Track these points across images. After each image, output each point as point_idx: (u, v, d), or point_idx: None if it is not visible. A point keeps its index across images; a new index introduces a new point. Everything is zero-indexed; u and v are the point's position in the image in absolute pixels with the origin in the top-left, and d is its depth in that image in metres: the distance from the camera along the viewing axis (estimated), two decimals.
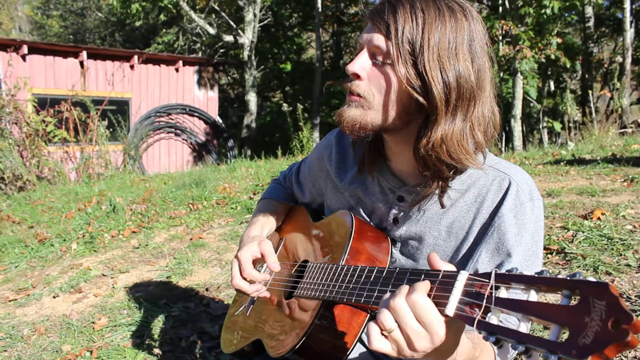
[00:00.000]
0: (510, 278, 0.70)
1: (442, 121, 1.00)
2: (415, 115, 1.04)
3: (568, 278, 0.63)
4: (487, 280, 0.72)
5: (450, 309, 0.75)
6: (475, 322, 0.70)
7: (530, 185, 1.10)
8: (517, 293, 0.69)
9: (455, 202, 1.13)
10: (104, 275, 3.58)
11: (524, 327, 0.66)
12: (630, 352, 1.87)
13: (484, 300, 0.71)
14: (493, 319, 0.69)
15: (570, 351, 0.58)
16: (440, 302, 0.77)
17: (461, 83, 0.99)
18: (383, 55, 1.03)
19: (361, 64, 1.05)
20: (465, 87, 1.00)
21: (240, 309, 1.54)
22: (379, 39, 1.02)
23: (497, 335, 0.67)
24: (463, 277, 0.76)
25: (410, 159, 1.09)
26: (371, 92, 1.05)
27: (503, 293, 0.70)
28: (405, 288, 0.81)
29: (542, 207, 1.10)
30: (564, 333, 0.61)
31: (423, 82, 0.99)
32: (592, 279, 0.61)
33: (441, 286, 0.78)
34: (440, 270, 0.81)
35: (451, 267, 0.82)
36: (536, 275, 0.67)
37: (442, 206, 1.12)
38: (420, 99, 1.00)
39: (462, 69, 0.99)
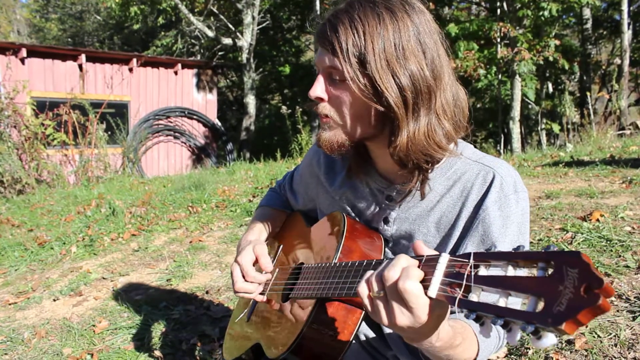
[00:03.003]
0: (488, 256, 0.72)
1: (405, 124, 1.03)
2: (384, 122, 1.07)
3: (543, 250, 0.64)
4: (467, 260, 0.74)
5: (433, 290, 0.77)
6: (457, 300, 0.72)
7: (515, 178, 1.11)
8: (496, 270, 0.71)
9: (442, 198, 1.14)
10: (104, 278, 3.59)
11: (503, 303, 0.67)
12: (630, 353, 1.87)
13: (464, 279, 0.73)
14: (473, 297, 0.71)
15: (546, 319, 0.60)
16: (423, 285, 0.79)
17: (416, 82, 1.01)
18: (336, 73, 1.07)
19: (319, 87, 1.10)
20: (421, 83, 1.02)
21: (241, 316, 1.55)
22: (328, 59, 1.06)
23: (477, 311, 0.69)
24: (444, 259, 0.78)
25: (389, 154, 1.12)
26: (335, 111, 1.10)
27: (483, 271, 0.72)
28: (396, 271, 0.82)
29: (527, 199, 1.12)
30: (541, 304, 0.62)
31: (376, 91, 1.02)
32: (566, 250, 0.62)
33: (424, 269, 0.81)
34: (423, 255, 0.83)
35: (433, 252, 0.84)
36: (512, 251, 0.69)
37: (423, 197, 1.15)
38: (379, 107, 1.03)
39: (414, 67, 1.01)
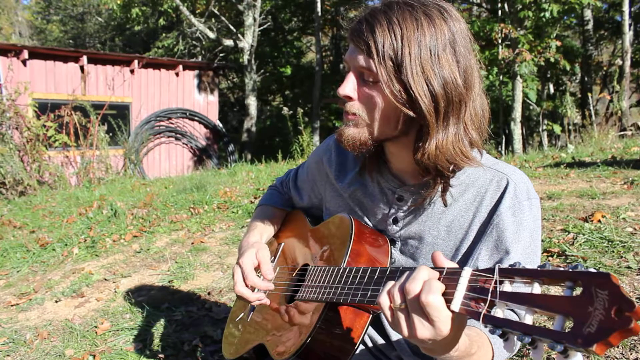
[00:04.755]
0: (513, 272, 0.71)
1: (435, 132, 1.02)
2: (411, 125, 1.07)
3: (570, 270, 0.64)
4: (491, 275, 0.73)
5: (456, 305, 0.76)
6: (481, 316, 0.72)
7: (528, 185, 1.12)
8: (520, 286, 0.70)
9: (454, 202, 1.14)
10: (105, 279, 3.59)
11: (529, 320, 0.67)
12: (631, 354, 1.87)
13: (489, 295, 0.72)
14: (498, 312, 0.70)
15: (576, 340, 0.60)
16: (445, 299, 0.78)
17: (449, 89, 1.00)
18: (369, 75, 1.05)
19: (350, 85, 1.08)
20: (453, 92, 1.01)
21: (241, 316, 1.54)
22: (362, 60, 1.04)
23: (503, 328, 0.69)
24: (467, 272, 0.77)
25: (409, 160, 1.11)
26: (364, 111, 1.08)
27: (507, 287, 0.72)
28: (418, 284, 0.81)
29: (539, 206, 1.12)
30: (569, 323, 0.62)
31: (409, 96, 1.01)
32: (593, 269, 0.62)
33: (446, 282, 0.80)
34: (443, 267, 0.82)
35: (453, 265, 0.83)
36: (539, 269, 0.68)
37: (445, 204, 1.14)
38: (410, 112, 1.02)
39: (447, 74, 1.00)
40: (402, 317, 0.82)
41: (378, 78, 1.02)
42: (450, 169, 1.06)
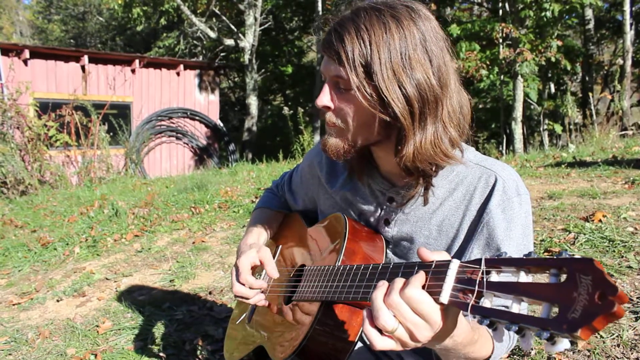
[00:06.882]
0: (499, 262, 0.72)
1: (412, 134, 1.03)
2: (390, 129, 1.07)
3: (555, 257, 0.65)
4: (478, 266, 0.74)
5: (445, 297, 0.77)
6: (469, 307, 0.72)
7: (517, 180, 1.12)
8: (507, 276, 0.71)
9: (444, 201, 1.15)
10: (107, 279, 3.60)
11: (516, 309, 0.68)
12: (632, 353, 1.88)
13: (476, 285, 0.73)
14: (486, 302, 0.71)
15: (561, 326, 0.60)
16: (434, 292, 0.79)
17: (422, 90, 1.01)
18: (342, 83, 1.06)
19: (327, 96, 1.09)
20: (428, 93, 1.01)
21: (242, 318, 1.55)
22: (335, 69, 1.05)
23: (491, 317, 0.69)
24: (455, 265, 0.78)
25: (395, 162, 1.11)
26: (343, 120, 1.09)
27: (494, 277, 0.72)
28: (398, 282, 0.82)
29: (529, 202, 1.12)
30: (555, 310, 0.63)
31: (382, 101, 1.01)
32: (577, 256, 0.63)
33: (434, 276, 0.81)
34: (432, 261, 0.83)
35: (442, 256, 0.83)
36: (524, 257, 0.69)
37: (426, 202, 1.15)
38: (385, 117, 1.03)
39: (420, 76, 1.00)
40: (400, 333, 0.81)
41: (350, 85, 1.02)
42: (433, 169, 1.07)
